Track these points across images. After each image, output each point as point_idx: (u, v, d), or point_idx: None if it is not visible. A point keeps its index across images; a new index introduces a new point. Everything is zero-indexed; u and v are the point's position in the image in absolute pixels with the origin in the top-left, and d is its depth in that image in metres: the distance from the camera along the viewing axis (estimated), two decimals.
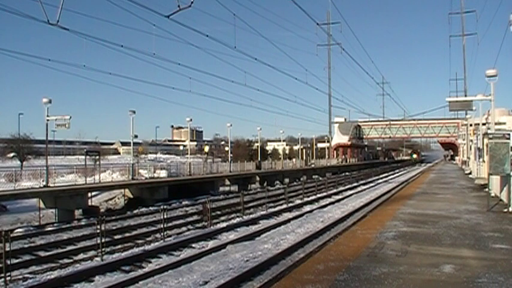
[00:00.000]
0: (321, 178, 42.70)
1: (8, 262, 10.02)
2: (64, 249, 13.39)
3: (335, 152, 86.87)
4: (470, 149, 42.92)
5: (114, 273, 10.40)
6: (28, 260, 12.09)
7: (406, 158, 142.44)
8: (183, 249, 12.95)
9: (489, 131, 19.38)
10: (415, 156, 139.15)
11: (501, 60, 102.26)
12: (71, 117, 25.58)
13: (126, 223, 18.35)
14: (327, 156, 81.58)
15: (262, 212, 20.43)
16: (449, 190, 21.80)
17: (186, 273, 9.97)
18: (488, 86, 21.15)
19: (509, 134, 13.97)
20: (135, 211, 22.53)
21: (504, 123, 41.56)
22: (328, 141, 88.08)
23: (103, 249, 11.88)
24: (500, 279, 6.26)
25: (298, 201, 25.00)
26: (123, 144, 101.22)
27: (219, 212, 20.42)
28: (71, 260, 11.95)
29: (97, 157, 34.35)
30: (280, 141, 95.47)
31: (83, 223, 18.66)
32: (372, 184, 39.23)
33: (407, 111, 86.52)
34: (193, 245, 13.42)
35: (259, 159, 53.97)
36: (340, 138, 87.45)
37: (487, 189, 17.52)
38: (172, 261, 11.00)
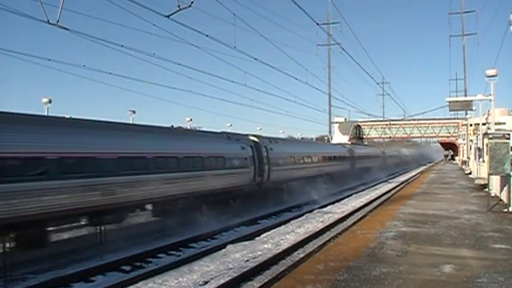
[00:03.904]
0: None
1: (8, 262, 10.00)
2: (64, 249, 13.35)
3: None
4: (470, 149, 42.88)
5: (114, 273, 10.39)
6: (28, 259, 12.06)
7: None
8: (183, 249, 12.95)
9: (489, 131, 19.38)
10: None
11: (501, 60, 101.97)
12: (71, 117, 25.51)
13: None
14: None
15: (262, 212, 20.39)
16: (449, 190, 21.79)
17: (186, 273, 9.96)
18: (488, 86, 21.21)
19: (509, 134, 13.98)
20: None
21: (504, 123, 41.46)
22: (328, 141, 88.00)
23: (103, 249, 11.87)
24: (500, 279, 6.26)
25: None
26: None
27: None
28: (71, 260, 11.93)
29: None
30: None
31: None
32: (371, 184, 39.17)
33: (407, 111, 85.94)
34: (193, 245, 13.42)
35: None
36: (340, 138, 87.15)
37: (487, 189, 17.51)
38: (172, 261, 11.00)
